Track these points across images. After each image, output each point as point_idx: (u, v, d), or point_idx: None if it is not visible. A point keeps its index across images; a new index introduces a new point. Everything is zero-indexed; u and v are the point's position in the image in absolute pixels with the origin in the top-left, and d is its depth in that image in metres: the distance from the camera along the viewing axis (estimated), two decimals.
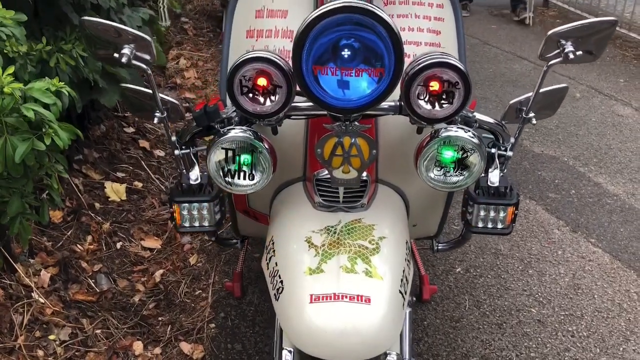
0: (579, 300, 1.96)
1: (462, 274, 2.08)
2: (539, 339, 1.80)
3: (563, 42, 1.11)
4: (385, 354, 1.13)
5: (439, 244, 1.63)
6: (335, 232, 1.13)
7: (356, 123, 1.05)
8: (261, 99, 1.03)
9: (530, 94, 1.23)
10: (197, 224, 1.26)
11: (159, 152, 2.78)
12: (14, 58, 1.45)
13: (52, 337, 1.62)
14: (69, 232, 2.03)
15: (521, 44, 4.68)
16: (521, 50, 4.52)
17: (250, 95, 1.03)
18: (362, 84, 0.98)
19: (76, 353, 1.62)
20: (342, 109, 1.01)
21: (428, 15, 1.28)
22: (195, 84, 3.73)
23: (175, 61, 3.94)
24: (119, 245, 2.10)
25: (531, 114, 1.24)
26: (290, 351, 1.16)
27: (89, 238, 2.06)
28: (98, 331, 1.71)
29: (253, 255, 2.13)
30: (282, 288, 1.07)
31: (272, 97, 1.03)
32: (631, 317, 1.89)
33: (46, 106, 1.38)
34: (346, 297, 1.01)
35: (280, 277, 1.09)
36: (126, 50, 1.10)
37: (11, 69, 1.32)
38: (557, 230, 2.35)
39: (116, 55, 1.11)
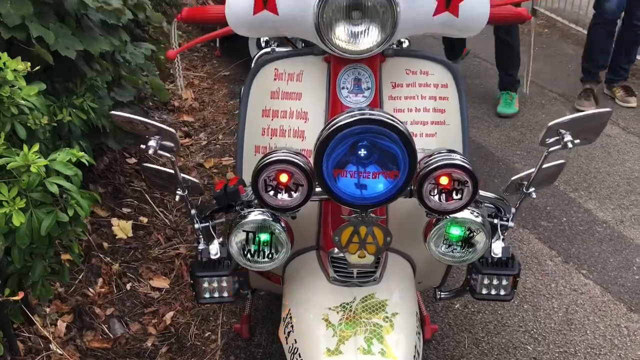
0: (572, 337, 2.06)
1: (460, 310, 2.17)
2: None
3: (562, 131, 1.19)
4: None
5: (442, 293, 1.72)
6: (350, 310, 1.21)
7: (372, 215, 1.13)
8: (283, 196, 1.10)
9: (531, 170, 1.31)
10: (216, 294, 1.34)
11: None
12: (35, 130, 1.50)
13: None
14: (81, 276, 2.09)
15: None
16: None
17: (273, 192, 1.10)
18: (379, 185, 1.06)
19: None
20: (360, 205, 1.09)
21: (433, 95, 1.35)
22: (193, 105, 3.78)
23: (171, 81, 3.98)
24: (128, 286, 2.16)
25: (532, 189, 1.32)
26: None
27: (100, 281, 2.12)
28: None
29: (259, 293, 2.20)
30: None
31: (293, 193, 1.10)
32: (622, 353, 1.99)
33: (67, 177, 1.44)
34: None
35: (300, 357, 1.17)
36: (152, 143, 1.16)
37: (36, 147, 1.38)
38: (550, 262, 2.45)
39: (143, 146, 1.17)
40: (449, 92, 1.37)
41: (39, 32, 1.60)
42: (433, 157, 1.09)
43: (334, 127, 1.01)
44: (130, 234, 2.41)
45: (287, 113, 1.34)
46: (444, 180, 1.09)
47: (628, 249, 2.53)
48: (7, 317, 1.60)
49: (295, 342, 1.20)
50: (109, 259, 2.23)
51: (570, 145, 1.19)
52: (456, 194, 1.10)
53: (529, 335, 2.06)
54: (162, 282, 2.22)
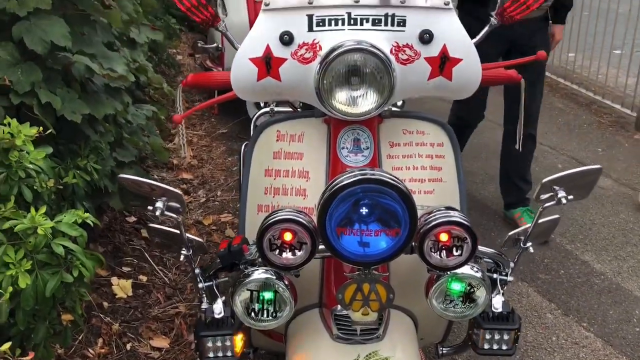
0: None
1: None
2: None
3: (556, 188, 1.24)
4: None
5: (444, 349, 1.72)
6: None
7: (374, 272, 1.15)
8: (287, 255, 1.13)
9: (527, 225, 1.35)
10: (220, 354, 1.34)
11: None
12: (41, 192, 1.53)
13: None
14: (81, 336, 2.07)
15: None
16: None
17: (277, 251, 1.13)
18: (381, 243, 1.09)
19: None
20: (362, 263, 1.11)
21: (430, 154, 1.40)
22: (192, 163, 3.84)
23: (171, 140, 4.05)
24: (128, 346, 2.15)
25: (529, 244, 1.35)
26: None
27: (100, 341, 2.11)
28: None
29: (260, 352, 2.19)
30: None
31: (297, 251, 1.13)
32: None
33: (72, 238, 1.46)
34: None
35: None
36: (159, 204, 1.20)
37: (43, 209, 1.41)
38: (550, 314, 2.45)
39: (150, 207, 1.20)
40: (445, 150, 1.41)
41: (47, 98, 1.65)
42: (432, 214, 1.12)
43: (336, 187, 1.04)
44: (130, 293, 2.41)
45: (289, 172, 1.38)
46: (443, 237, 1.13)
47: (627, 301, 2.54)
48: None
49: None
50: (109, 318, 2.22)
51: (564, 200, 1.23)
52: (456, 250, 1.13)
53: None
54: (162, 342, 2.21)
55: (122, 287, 2.41)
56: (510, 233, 1.37)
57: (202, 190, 3.50)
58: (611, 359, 2.20)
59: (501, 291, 1.36)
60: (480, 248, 1.32)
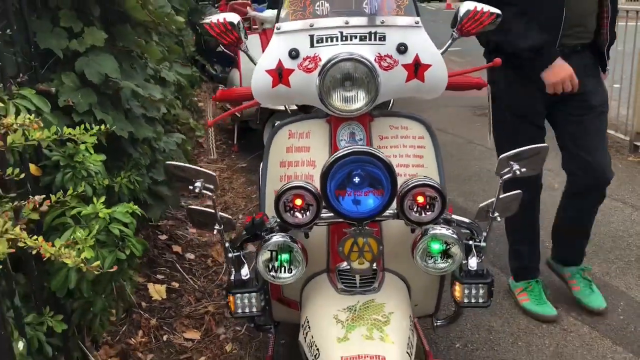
0: None
1: (460, 348, 2.41)
2: None
3: (512, 163, 1.55)
4: None
5: (438, 321, 2.00)
6: (355, 310, 1.51)
7: (367, 227, 1.46)
8: (298, 215, 1.45)
9: (493, 199, 1.65)
10: (247, 310, 1.64)
11: (190, 255, 3.18)
12: (98, 189, 1.87)
13: None
14: (124, 328, 2.38)
15: None
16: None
17: (290, 212, 1.45)
18: (369, 201, 1.40)
19: None
20: (356, 219, 1.43)
21: (413, 145, 1.73)
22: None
23: None
24: (165, 337, 2.45)
25: (496, 214, 1.65)
26: None
27: (140, 332, 2.41)
28: None
29: (280, 342, 2.47)
30: (319, 354, 1.44)
31: (306, 212, 1.45)
32: None
33: (125, 224, 1.80)
34: (367, 357, 1.37)
35: (316, 346, 1.46)
36: (198, 184, 1.53)
37: (102, 199, 1.75)
38: None
39: (190, 187, 1.54)
40: (425, 142, 1.74)
41: (101, 116, 2.02)
42: (410, 180, 1.44)
43: (335, 157, 1.37)
44: (164, 296, 2.72)
45: (299, 162, 1.71)
46: (420, 199, 1.44)
47: (613, 295, 2.78)
48: (70, 350, 1.89)
49: (312, 337, 1.49)
50: (147, 315, 2.53)
51: (518, 172, 1.54)
52: (430, 209, 1.44)
53: None
54: (193, 334, 2.50)
55: (157, 291, 2.72)
56: (480, 205, 1.67)
57: (225, 214, 3.83)
58: (596, 340, 2.44)
59: (476, 255, 1.65)
60: (456, 217, 1.63)
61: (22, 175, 1.44)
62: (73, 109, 1.98)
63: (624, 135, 5.03)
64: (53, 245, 1.32)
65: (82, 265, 1.35)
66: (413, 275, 1.75)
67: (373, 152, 1.37)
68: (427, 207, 1.45)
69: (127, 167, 2.36)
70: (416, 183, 1.42)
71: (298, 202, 1.44)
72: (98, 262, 1.40)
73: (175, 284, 2.84)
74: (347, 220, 1.44)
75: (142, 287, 2.72)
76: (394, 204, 1.46)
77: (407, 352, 1.43)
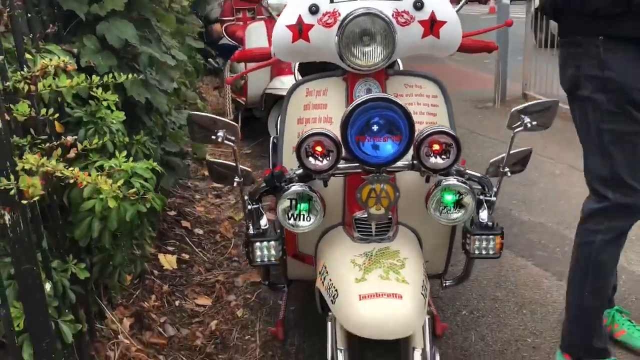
0: None
1: (467, 315, 2.47)
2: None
3: (523, 116, 1.61)
4: (413, 349, 1.53)
5: (447, 281, 2.06)
6: (372, 255, 1.57)
7: (384, 174, 1.52)
8: (319, 161, 1.50)
9: (504, 154, 1.71)
10: (266, 259, 1.69)
11: (198, 231, 3.23)
12: (119, 146, 1.92)
13: None
14: (137, 292, 2.43)
15: (505, 131, 5.22)
16: (505, 137, 5.06)
17: (311, 158, 1.50)
18: (388, 147, 1.46)
19: None
20: (375, 164, 1.48)
21: (426, 103, 1.78)
22: None
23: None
24: (177, 303, 2.50)
25: (506, 169, 1.71)
26: (341, 350, 1.56)
27: (153, 297, 2.46)
28: None
29: (290, 308, 2.52)
30: (337, 294, 1.49)
31: (326, 159, 1.50)
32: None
33: (145, 180, 1.85)
34: (384, 295, 1.43)
35: (335, 287, 1.51)
36: (220, 133, 1.59)
37: (124, 153, 1.80)
38: (546, 280, 2.76)
39: (213, 137, 1.60)
40: (438, 100, 1.80)
41: (120, 79, 2.07)
42: (426, 129, 1.50)
43: (355, 104, 1.43)
44: (175, 266, 2.77)
45: (317, 119, 1.77)
46: (435, 146, 1.50)
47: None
48: (90, 303, 1.94)
49: (331, 280, 1.55)
50: (159, 281, 2.58)
51: (529, 125, 1.60)
52: (445, 155, 1.50)
53: (529, 331, 2.35)
54: (205, 301, 2.55)
55: (168, 261, 2.77)
56: (491, 161, 1.73)
57: (232, 195, 3.89)
58: None
59: (487, 208, 1.71)
60: (468, 170, 1.69)
61: (57, 115, 1.49)
62: (94, 70, 2.03)
63: None
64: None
65: (119, 191, 1.40)
66: (425, 230, 1.81)
67: (391, 98, 1.43)
68: (443, 154, 1.50)
69: (143, 134, 2.41)
70: (432, 130, 1.48)
71: (319, 148, 1.50)
72: (134, 189, 1.46)
73: (186, 256, 2.89)
74: (366, 165, 1.49)
75: (153, 258, 2.76)
76: (409, 156, 1.52)
77: (422, 294, 1.49)
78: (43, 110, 1.44)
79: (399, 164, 1.55)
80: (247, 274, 2.80)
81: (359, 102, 1.43)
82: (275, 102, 4.54)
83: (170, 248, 2.90)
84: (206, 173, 4.21)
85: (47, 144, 1.48)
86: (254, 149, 4.94)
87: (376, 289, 1.44)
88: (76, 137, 1.58)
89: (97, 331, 2.05)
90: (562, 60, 1.99)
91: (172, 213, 3.28)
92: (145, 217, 1.88)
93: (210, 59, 7.19)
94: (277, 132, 2.77)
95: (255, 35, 4.80)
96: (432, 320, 2.22)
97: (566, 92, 2.02)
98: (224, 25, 5.79)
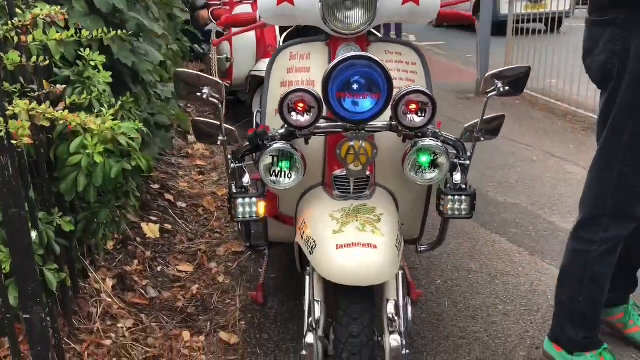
0: (536, 300, 2.44)
1: (441, 284, 2.55)
2: (505, 325, 2.25)
3: (496, 81, 1.68)
4: (387, 300, 1.60)
5: (422, 246, 2.13)
6: (349, 211, 1.63)
7: (363, 132, 1.58)
8: (300, 116, 1.56)
9: (477, 120, 1.78)
10: (247, 215, 1.75)
11: (182, 204, 3.27)
12: (105, 106, 1.96)
13: (120, 325, 2.03)
14: (120, 257, 2.47)
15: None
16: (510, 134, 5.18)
17: (293, 114, 1.56)
18: (367, 103, 1.52)
19: (139, 337, 2.03)
20: (355, 121, 1.55)
21: (406, 69, 1.85)
22: (204, 154, 4.28)
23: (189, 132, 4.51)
24: (159, 268, 2.54)
25: (480, 134, 1.78)
26: (318, 301, 1.62)
27: (136, 262, 2.50)
28: (154, 324, 2.13)
29: (270, 276, 2.59)
30: (315, 245, 1.55)
31: (308, 114, 1.56)
32: None
33: (131, 139, 1.89)
34: (360, 244, 1.49)
35: (313, 239, 1.57)
36: (205, 90, 1.64)
37: (112, 111, 1.84)
38: (518, 255, 2.85)
39: (198, 94, 1.64)
40: (417, 68, 1.87)
41: (107, 42, 2.11)
42: (403, 89, 1.56)
43: (336, 61, 1.49)
44: (158, 235, 2.81)
45: (299, 82, 1.82)
46: (412, 106, 1.56)
47: None
48: (73, 260, 1.98)
49: (310, 233, 1.61)
50: (142, 248, 2.62)
51: (502, 90, 1.67)
52: (422, 114, 1.57)
53: (500, 299, 2.44)
54: (187, 267, 2.60)
55: (151, 230, 2.81)
56: (465, 125, 1.80)
57: (215, 173, 3.93)
58: None
59: (460, 171, 1.78)
60: (444, 133, 1.76)
61: (47, 62, 1.53)
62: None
63: None
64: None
65: (108, 132, 1.44)
66: (401, 193, 1.88)
67: (372, 57, 1.49)
68: (419, 113, 1.57)
69: (128, 101, 2.45)
70: (409, 89, 1.55)
71: (300, 105, 1.56)
72: (122, 130, 1.50)
73: (169, 226, 2.94)
74: (346, 122, 1.56)
75: (135, 226, 2.81)
76: (388, 115, 1.59)
77: (396, 246, 1.56)
78: (33, 58, 1.48)
79: (378, 123, 1.62)
80: (229, 244, 2.86)
81: (341, 59, 1.49)
82: (260, 84, 4.58)
83: (153, 218, 2.94)
84: (190, 151, 4.26)
85: (37, 93, 1.51)
86: (238, 130, 4.94)
87: (352, 239, 1.51)
88: (65, 86, 1.62)
89: (80, 289, 2.09)
90: (591, 43, 1.74)
91: (156, 186, 3.32)
92: (131, 176, 1.92)
93: (196, 45, 7.21)
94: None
95: None
96: (405, 277, 2.30)
97: (596, 84, 1.80)
98: (211, 10, 5.82)
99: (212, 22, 5.76)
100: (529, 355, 2.09)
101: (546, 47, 6.02)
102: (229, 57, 5.07)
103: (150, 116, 2.68)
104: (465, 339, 2.17)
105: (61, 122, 1.39)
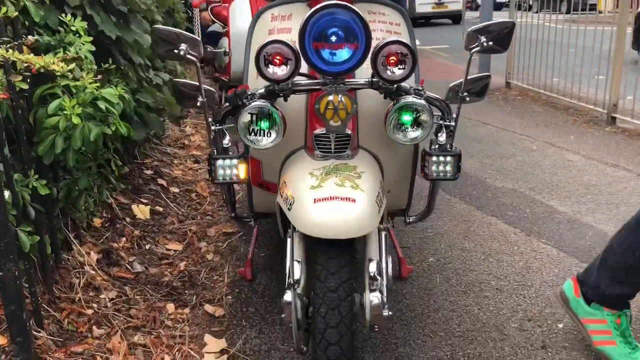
0: (530, 276, 2.38)
1: (434, 262, 2.50)
2: (497, 299, 2.20)
3: (480, 36, 1.64)
4: (369, 260, 1.56)
5: (410, 217, 2.09)
6: (330, 168, 1.59)
7: (342, 85, 1.55)
8: (277, 68, 1.53)
9: (462, 79, 1.74)
10: (227, 178, 1.71)
11: (174, 189, 3.24)
12: (88, 72, 1.94)
13: (102, 296, 2.00)
14: (108, 234, 2.44)
15: (485, 114, 5.32)
16: (485, 119, 5.15)
17: (270, 66, 1.53)
18: (344, 54, 1.49)
19: (122, 308, 1.99)
20: (333, 73, 1.51)
21: (390, 30, 1.82)
22: (201, 145, 4.26)
23: (183, 126, 4.50)
24: (147, 246, 2.51)
25: (465, 94, 1.74)
26: (299, 261, 1.58)
27: (123, 239, 2.47)
28: (138, 297, 2.09)
29: (259, 255, 2.55)
30: (294, 201, 1.52)
31: (284, 68, 1.53)
32: None
33: (111, 105, 1.87)
34: (339, 198, 1.45)
35: (292, 196, 1.54)
36: (183, 47, 1.61)
37: (91, 74, 1.82)
38: (514, 235, 2.80)
39: (175, 50, 1.61)
40: (401, 29, 1.84)
41: (91, 12, 2.10)
42: (382, 40, 1.53)
43: (314, 9, 1.46)
44: (148, 216, 2.78)
45: None
46: (392, 58, 1.53)
47: (583, 227, 2.89)
48: (54, 229, 1.95)
49: (289, 191, 1.57)
50: (130, 227, 2.59)
51: (485, 44, 1.63)
52: (402, 66, 1.53)
53: (493, 275, 2.39)
54: (176, 246, 2.57)
55: (141, 211, 2.78)
56: (450, 85, 1.76)
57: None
58: (563, 259, 2.53)
59: (445, 133, 1.74)
60: (428, 93, 1.72)
61: (16, 14, 1.51)
62: (65, 2, 2.05)
63: (602, 108, 5.16)
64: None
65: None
66: (386, 156, 1.84)
67: (349, 5, 1.46)
68: (400, 65, 1.54)
69: (115, 76, 2.43)
70: (388, 40, 1.51)
71: (277, 57, 1.52)
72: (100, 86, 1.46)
73: (160, 209, 2.91)
74: (324, 73, 1.52)
75: (126, 207, 2.78)
76: (367, 66, 1.54)
77: (376, 202, 1.52)
78: (4, 9, 1.46)
79: (358, 80, 1.58)
80: (220, 225, 2.82)
81: (317, 7, 1.46)
82: None
83: (144, 201, 2.91)
84: (187, 142, 4.24)
85: (9, 45, 1.49)
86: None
87: (330, 193, 1.47)
88: (37, 38, 1.59)
89: (63, 260, 2.06)
90: None
91: (149, 172, 3.29)
92: (111, 142, 1.90)
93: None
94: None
95: (239, 10, 4.83)
96: (388, 238, 2.22)
97: None
98: (210, 7, 5.82)
99: (214, 22, 5.77)
100: (521, 326, 2.03)
101: (547, 46, 5.98)
102: (227, 50, 5.06)
103: (137, 103, 2.66)
104: (456, 312, 2.12)
105: (25, 65, 1.36)
